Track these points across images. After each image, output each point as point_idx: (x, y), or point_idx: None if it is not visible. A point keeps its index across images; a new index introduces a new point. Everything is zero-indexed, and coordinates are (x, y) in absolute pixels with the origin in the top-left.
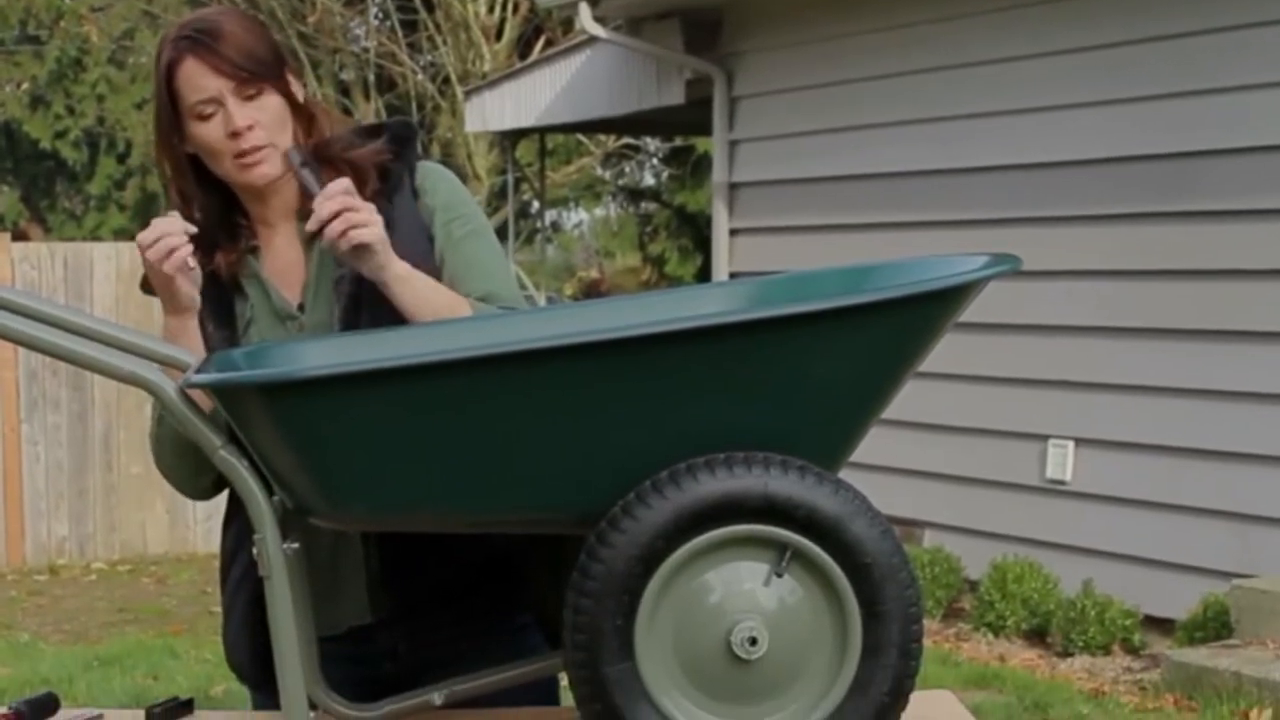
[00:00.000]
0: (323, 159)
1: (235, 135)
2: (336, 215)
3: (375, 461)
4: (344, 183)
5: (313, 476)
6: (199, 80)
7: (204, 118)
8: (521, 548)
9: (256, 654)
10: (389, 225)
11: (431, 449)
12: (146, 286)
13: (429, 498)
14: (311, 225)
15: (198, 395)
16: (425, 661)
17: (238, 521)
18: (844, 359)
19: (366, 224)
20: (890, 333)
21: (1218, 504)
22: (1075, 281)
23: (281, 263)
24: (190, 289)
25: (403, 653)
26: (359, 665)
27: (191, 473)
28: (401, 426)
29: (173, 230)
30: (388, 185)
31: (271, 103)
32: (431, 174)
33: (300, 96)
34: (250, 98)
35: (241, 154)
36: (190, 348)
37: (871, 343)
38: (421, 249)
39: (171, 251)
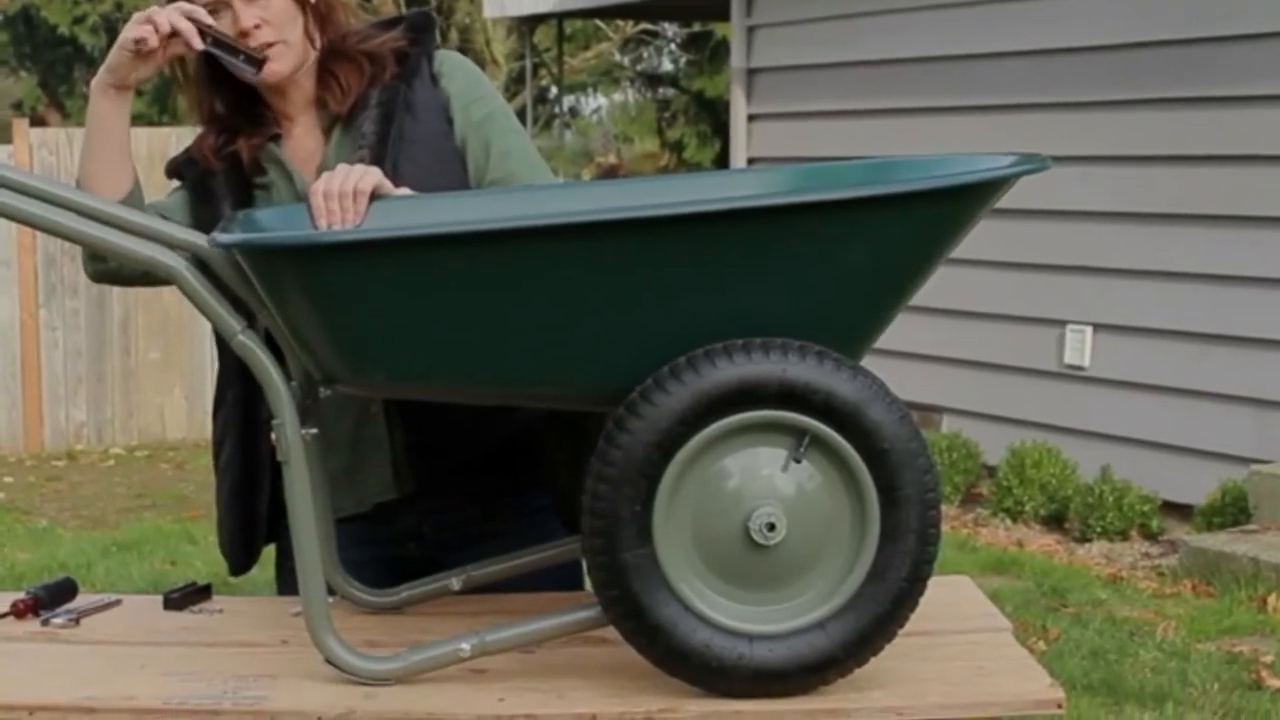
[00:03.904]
0: (339, 53)
1: (243, 35)
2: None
3: (396, 327)
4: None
5: (334, 341)
6: None
7: (213, 19)
8: (541, 428)
9: (236, 542)
10: (408, 108)
11: (450, 318)
12: (170, 170)
13: (446, 366)
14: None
15: None
16: (448, 542)
17: (223, 412)
18: (871, 249)
19: (359, 191)
20: (917, 225)
21: (1236, 389)
22: (1092, 167)
23: (303, 150)
24: (150, 72)
25: (426, 532)
26: (385, 546)
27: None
28: (423, 294)
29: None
30: (405, 69)
31: (277, 2)
32: (448, 60)
33: None
34: None
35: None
36: (117, 138)
37: (898, 234)
38: (441, 130)
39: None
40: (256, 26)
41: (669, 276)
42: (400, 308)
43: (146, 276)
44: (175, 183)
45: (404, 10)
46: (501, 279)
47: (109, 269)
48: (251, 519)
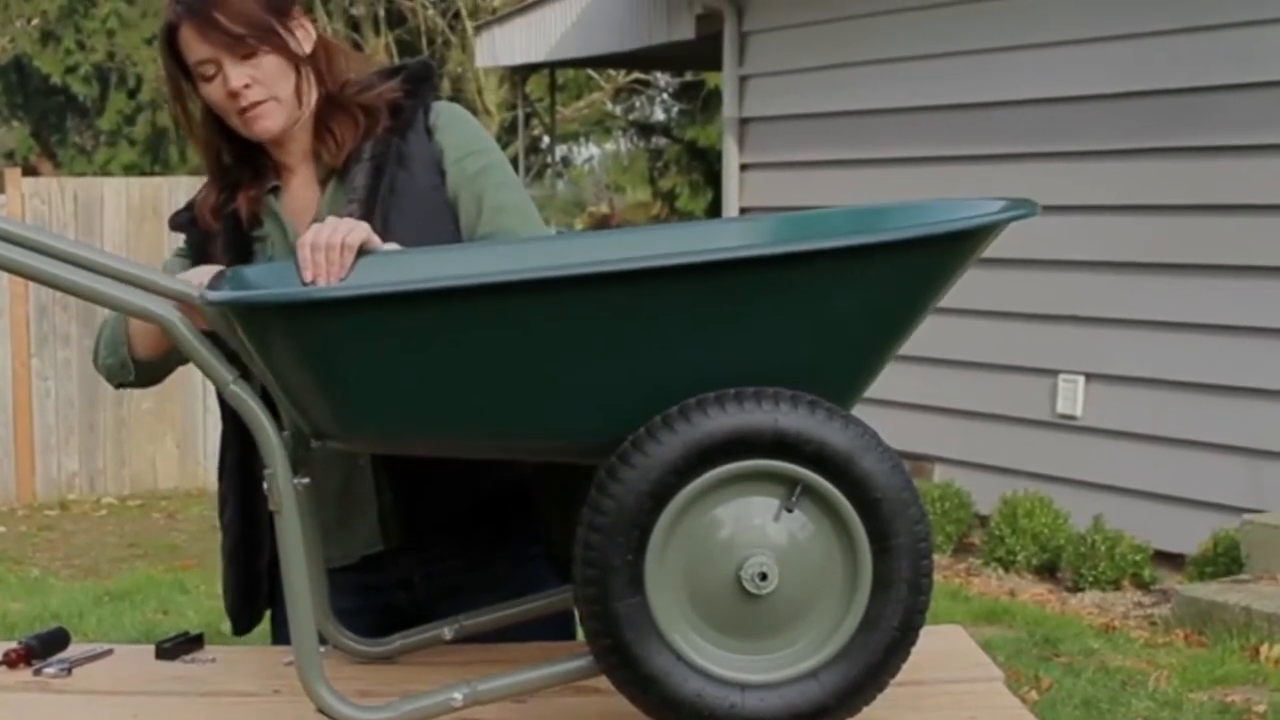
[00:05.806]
0: (336, 104)
1: (233, 95)
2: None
3: (387, 384)
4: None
5: (325, 397)
6: (194, 45)
7: (207, 78)
8: (531, 480)
9: (237, 600)
10: (401, 160)
11: (435, 374)
12: (174, 225)
13: (434, 422)
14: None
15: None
16: (439, 591)
17: (229, 467)
18: (861, 297)
19: (346, 245)
20: (907, 273)
21: (1228, 439)
22: (1086, 216)
23: (299, 203)
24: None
25: (417, 582)
26: (374, 595)
27: (119, 368)
28: (414, 350)
29: None
30: (399, 121)
31: (268, 61)
32: (445, 112)
33: (306, 48)
34: (246, 57)
35: (242, 111)
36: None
37: (888, 282)
38: (432, 184)
39: None
40: (246, 86)
41: (659, 329)
42: (385, 363)
43: (160, 375)
44: (177, 235)
45: (395, 55)
46: (485, 334)
47: (127, 380)
48: (252, 577)
